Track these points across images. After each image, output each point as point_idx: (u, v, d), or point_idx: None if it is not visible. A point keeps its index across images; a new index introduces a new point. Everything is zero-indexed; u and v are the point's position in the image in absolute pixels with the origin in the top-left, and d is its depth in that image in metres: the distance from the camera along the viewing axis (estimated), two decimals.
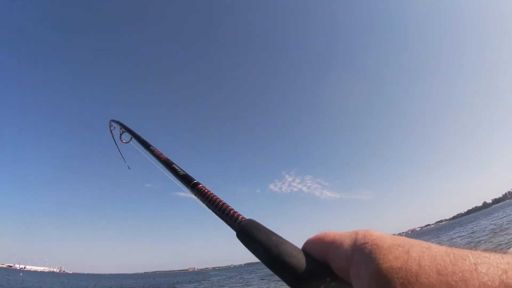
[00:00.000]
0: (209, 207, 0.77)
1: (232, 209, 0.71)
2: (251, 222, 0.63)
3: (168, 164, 1.11)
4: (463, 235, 34.73)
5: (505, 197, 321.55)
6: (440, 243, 0.40)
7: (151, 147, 1.36)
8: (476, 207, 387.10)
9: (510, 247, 12.38)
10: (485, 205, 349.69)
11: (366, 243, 0.42)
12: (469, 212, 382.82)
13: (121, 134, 2.21)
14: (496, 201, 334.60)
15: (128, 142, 2.10)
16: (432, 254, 0.41)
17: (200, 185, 0.86)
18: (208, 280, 49.76)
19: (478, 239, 25.28)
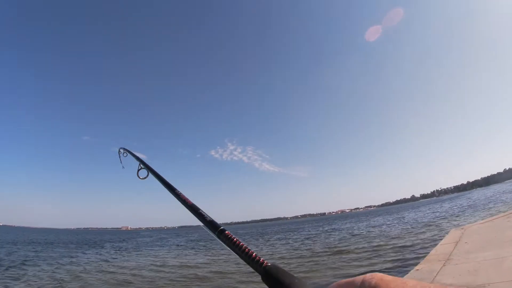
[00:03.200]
0: (234, 251, 0.84)
1: (257, 254, 0.77)
2: (275, 267, 0.69)
3: (194, 210, 1.16)
4: (391, 223, 36.03)
5: (432, 194, 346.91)
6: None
7: (176, 191, 1.37)
8: (405, 198, 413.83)
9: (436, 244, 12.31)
10: (413, 198, 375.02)
11: (373, 278, 0.58)
12: (397, 202, 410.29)
13: (138, 170, 2.10)
14: (424, 196, 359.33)
15: (145, 178, 2.03)
16: (423, 285, 0.57)
17: (227, 232, 0.93)
18: (132, 240, 48.37)
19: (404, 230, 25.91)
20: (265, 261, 0.73)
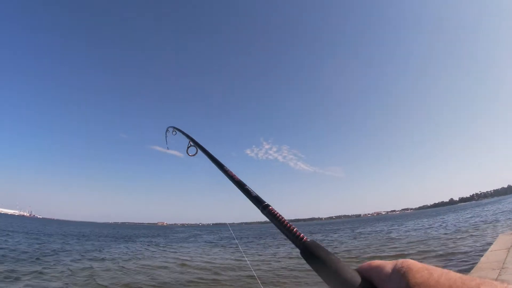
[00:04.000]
0: (277, 226, 0.90)
1: (297, 230, 0.81)
2: (313, 243, 0.73)
3: (241, 186, 1.21)
4: (433, 226, 34.19)
5: (472, 197, 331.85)
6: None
7: (225, 167, 1.44)
8: (443, 202, 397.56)
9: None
10: (452, 202, 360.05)
11: (402, 266, 0.59)
12: (435, 205, 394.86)
13: (188, 148, 2.27)
14: (462, 200, 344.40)
15: (195, 155, 2.20)
16: (448, 276, 0.58)
17: (270, 207, 0.98)
18: (165, 236, 48.94)
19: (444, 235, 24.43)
20: (305, 237, 0.77)
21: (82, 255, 17.52)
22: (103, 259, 16.21)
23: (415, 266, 0.59)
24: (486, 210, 47.27)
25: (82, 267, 13.30)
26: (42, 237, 31.20)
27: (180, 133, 2.57)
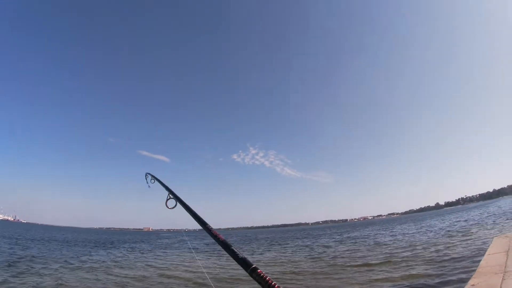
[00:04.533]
0: None
1: None
2: None
3: (227, 246, 1.18)
4: (421, 231, 34.08)
5: (457, 202, 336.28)
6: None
7: (207, 225, 1.47)
8: (429, 206, 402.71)
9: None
10: (438, 206, 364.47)
11: None
12: (421, 210, 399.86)
13: (167, 200, 2.22)
14: (448, 204, 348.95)
15: (174, 207, 2.19)
16: None
17: (259, 270, 0.95)
18: (149, 242, 48.00)
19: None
20: None
21: (57, 262, 16.70)
22: (78, 267, 15.37)
23: None
24: (473, 214, 47.35)
25: (52, 275, 12.54)
26: (22, 242, 30.25)
27: (158, 183, 2.54)
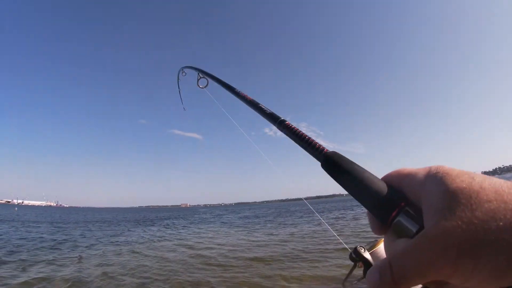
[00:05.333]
0: (295, 141, 0.84)
1: (317, 142, 0.76)
2: (336, 154, 0.67)
3: (254, 105, 1.19)
4: None
5: (494, 171, 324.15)
6: None
7: (236, 90, 1.42)
8: None
9: None
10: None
11: (438, 172, 0.50)
12: None
13: (198, 80, 2.24)
14: (485, 173, 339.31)
15: (205, 87, 2.19)
16: (492, 181, 0.48)
17: (287, 121, 0.93)
18: (186, 217, 49.25)
19: None
20: (325, 148, 0.72)
21: (98, 241, 17.55)
22: (117, 244, 16.19)
23: (453, 171, 0.50)
24: None
25: (95, 253, 13.17)
26: (64, 225, 31.57)
27: (191, 71, 2.54)
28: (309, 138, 0.78)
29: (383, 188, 0.54)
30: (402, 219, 0.50)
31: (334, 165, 0.63)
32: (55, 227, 28.70)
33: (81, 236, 20.14)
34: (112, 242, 17.17)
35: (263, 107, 1.13)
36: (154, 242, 17.08)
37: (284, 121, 0.93)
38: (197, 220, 38.86)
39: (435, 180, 0.49)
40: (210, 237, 18.68)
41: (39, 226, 28.71)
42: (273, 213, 50.61)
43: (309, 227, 20.80)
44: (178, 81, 3.42)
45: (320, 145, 0.73)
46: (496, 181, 0.48)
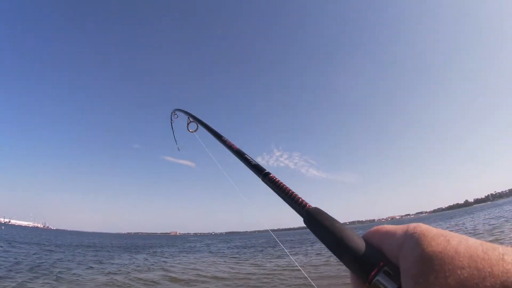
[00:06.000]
0: (279, 194, 0.86)
1: (300, 197, 0.78)
2: (317, 210, 0.69)
3: (240, 155, 1.23)
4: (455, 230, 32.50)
5: (487, 198, 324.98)
6: None
7: (223, 138, 1.47)
8: (457, 204, 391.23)
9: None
10: (466, 204, 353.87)
11: (415, 232, 0.51)
12: (449, 207, 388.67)
13: (188, 124, 2.32)
14: (477, 201, 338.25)
15: (195, 131, 2.22)
16: (468, 244, 0.49)
17: (271, 175, 0.95)
18: (175, 246, 48.13)
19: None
20: (308, 204, 0.73)
21: (78, 265, 17.07)
22: (98, 270, 15.55)
23: (429, 232, 0.51)
24: (507, 210, 44.93)
25: (69, 279, 12.61)
26: (48, 247, 30.80)
27: (182, 114, 2.58)
28: (293, 192, 0.80)
29: (363, 246, 0.54)
30: (381, 279, 0.52)
31: (315, 221, 0.64)
32: (39, 249, 27.87)
33: (61, 260, 19.43)
34: (91, 268, 16.59)
35: (249, 157, 1.16)
36: (138, 271, 16.38)
37: (268, 173, 0.95)
38: (186, 250, 37.89)
39: (412, 242, 0.50)
40: (194, 268, 18.02)
41: (21, 247, 28.04)
42: (262, 243, 49.71)
43: (298, 258, 20.19)
44: (171, 123, 3.41)
45: (303, 200, 0.74)
46: (472, 244, 0.49)
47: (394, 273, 0.51)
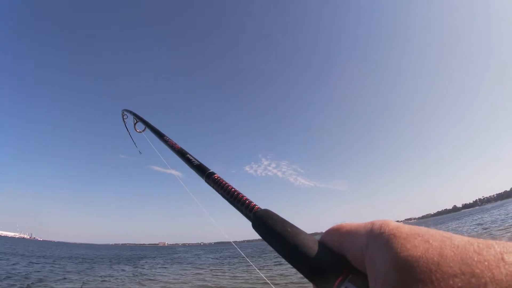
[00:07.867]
0: (224, 196, 0.79)
1: (248, 198, 0.71)
2: (267, 213, 0.61)
3: (182, 154, 1.15)
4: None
5: (475, 203, 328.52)
6: None
7: (165, 137, 1.42)
8: (446, 209, 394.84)
9: None
10: (455, 209, 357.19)
11: (382, 232, 0.40)
12: (438, 213, 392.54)
13: (135, 124, 2.29)
14: (466, 206, 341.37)
15: (142, 131, 2.21)
16: (453, 244, 0.39)
17: (215, 175, 0.89)
18: (161, 257, 47.09)
19: None
20: (257, 206, 0.66)
21: (53, 277, 16.20)
22: (69, 280, 14.94)
23: (400, 231, 0.40)
24: (495, 215, 44.87)
25: None
26: (29, 259, 29.46)
27: (129, 114, 2.49)
28: (239, 193, 0.72)
29: (322, 252, 0.46)
30: None
31: (265, 226, 0.56)
32: (22, 259, 27.18)
33: (35, 271, 18.43)
34: (64, 279, 15.81)
35: (191, 157, 1.06)
36: (112, 282, 15.56)
37: (212, 173, 0.88)
38: (173, 260, 36.97)
39: (380, 243, 0.40)
40: (180, 281, 17.23)
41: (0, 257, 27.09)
42: (249, 253, 48.89)
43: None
44: (125, 124, 3.11)
45: (251, 202, 0.67)
46: (459, 243, 0.39)
47: (362, 280, 0.41)
